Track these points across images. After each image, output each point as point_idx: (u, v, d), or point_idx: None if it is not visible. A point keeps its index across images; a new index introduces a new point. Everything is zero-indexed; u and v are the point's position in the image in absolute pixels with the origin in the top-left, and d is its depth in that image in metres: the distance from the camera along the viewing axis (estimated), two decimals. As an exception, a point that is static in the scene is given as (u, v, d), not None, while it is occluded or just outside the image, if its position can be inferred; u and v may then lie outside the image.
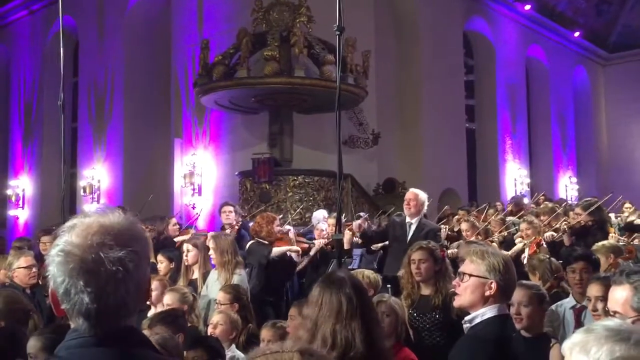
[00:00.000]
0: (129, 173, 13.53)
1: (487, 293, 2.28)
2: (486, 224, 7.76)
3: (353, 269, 5.91)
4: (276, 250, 5.65)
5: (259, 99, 10.36)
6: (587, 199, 7.17)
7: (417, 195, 5.81)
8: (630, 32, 20.48)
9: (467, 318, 2.35)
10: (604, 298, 3.21)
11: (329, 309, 2.09)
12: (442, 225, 7.64)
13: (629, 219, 7.65)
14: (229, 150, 11.49)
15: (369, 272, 3.89)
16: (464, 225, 7.06)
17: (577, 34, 18.99)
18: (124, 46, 13.78)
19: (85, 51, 14.89)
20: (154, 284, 4.35)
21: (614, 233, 7.09)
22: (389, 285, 4.75)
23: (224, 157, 11.53)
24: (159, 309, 4.02)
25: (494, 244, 6.55)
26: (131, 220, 1.39)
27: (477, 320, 2.31)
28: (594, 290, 3.31)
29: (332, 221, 7.15)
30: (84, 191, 13.85)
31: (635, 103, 20.62)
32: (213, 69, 10.12)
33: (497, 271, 2.28)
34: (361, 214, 8.25)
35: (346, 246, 6.94)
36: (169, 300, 3.97)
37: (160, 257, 5.30)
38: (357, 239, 6.22)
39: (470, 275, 2.33)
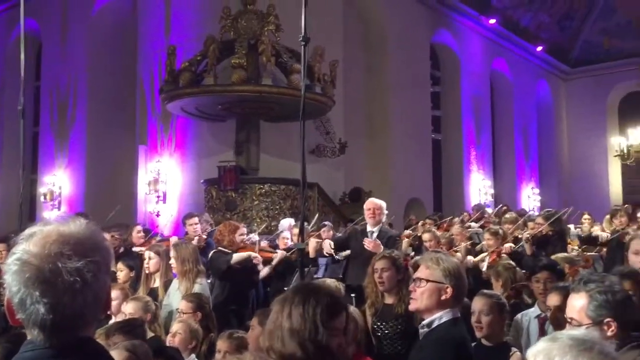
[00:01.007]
0: (91, 180, 13.28)
1: (444, 297, 2.35)
2: (449, 234, 7.84)
3: (318, 278, 5.93)
4: (237, 256, 5.60)
5: (225, 106, 10.31)
6: (548, 209, 7.32)
7: (379, 204, 5.87)
8: (591, 48, 21.09)
9: (424, 322, 2.40)
10: (563, 307, 3.28)
11: (297, 320, 2.07)
12: (408, 231, 7.72)
13: (593, 231, 7.83)
14: (195, 157, 11.38)
15: (330, 281, 3.89)
16: (426, 236, 7.12)
17: (540, 48, 19.47)
18: (88, 51, 13.57)
19: (48, 55, 14.61)
20: (115, 293, 4.26)
21: (571, 243, 7.26)
22: (353, 295, 4.76)
23: (190, 164, 11.42)
24: (120, 318, 3.95)
25: (458, 254, 6.64)
26: (92, 229, 1.36)
27: (436, 324, 2.36)
28: (552, 299, 3.38)
29: (297, 231, 7.15)
30: (45, 198, 13.54)
31: (595, 117, 21.21)
32: (179, 75, 10.04)
33: (452, 276, 2.36)
34: (326, 223, 8.27)
35: (311, 255, 6.94)
36: (130, 309, 3.89)
37: (119, 266, 5.21)
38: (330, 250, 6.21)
39: (427, 280, 2.39)
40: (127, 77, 12.90)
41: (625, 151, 15.77)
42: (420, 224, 9.35)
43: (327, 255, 6.43)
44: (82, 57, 13.56)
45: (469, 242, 7.18)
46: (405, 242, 7.69)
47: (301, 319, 1.81)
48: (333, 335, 1.80)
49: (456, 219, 10.24)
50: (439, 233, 7.58)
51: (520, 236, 6.59)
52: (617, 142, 16.51)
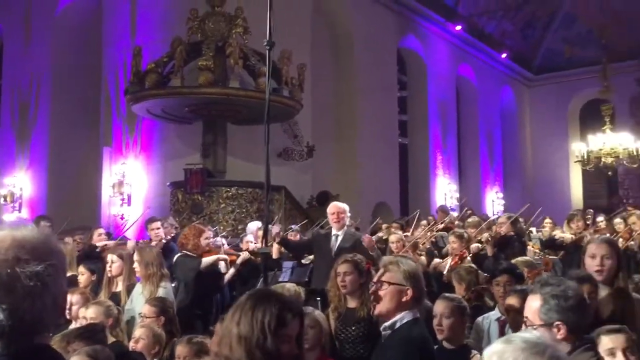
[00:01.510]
0: (53, 181, 12.99)
1: (404, 299, 2.41)
2: (415, 237, 7.93)
3: (283, 282, 5.93)
4: (205, 261, 5.56)
5: (192, 108, 10.23)
6: (510, 214, 7.47)
7: (342, 208, 5.91)
8: (553, 56, 21.60)
9: (386, 324, 2.44)
10: (522, 310, 3.36)
11: (251, 326, 2.06)
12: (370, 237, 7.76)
13: (555, 235, 8.01)
14: (161, 160, 11.26)
15: (290, 285, 3.91)
16: (392, 237, 7.19)
17: (504, 55, 19.85)
18: (51, 50, 13.29)
19: (10, 54, 14.28)
20: (75, 297, 4.19)
21: (533, 247, 7.42)
22: (318, 298, 4.77)
23: (156, 166, 11.28)
24: (80, 323, 3.88)
25: (422, 257, 6.72)
26: (45, 234, 1.36)
27: (398, 325, 2.41)
28: (511, 302, 3.45)
29: (262, 233, 7.14)
30: (5, 200, 13.20)
31: (558, 123, 21.72)
32: (145, 76, 9.92)
33: (412, 278, 2.43)
34: (293, 226, 8.28)
35: (274, 255, 6.94)
36: (92, 313, 3.83)
37: (81, 269, 5.12)
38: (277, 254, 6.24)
39: (389, 283, 2.43)
40: (92, 78, 12.68)
41: (585, 157, 16.16)
42: (385, 227, 9.42)
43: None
44: (45, 57, 13.28)
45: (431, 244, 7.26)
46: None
47: (249, 326, 1.80)
48: (283, 342, 1.79)
49: (423, 222, 10.34)
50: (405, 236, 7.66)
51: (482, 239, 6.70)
52: (578, 148, 16.91)
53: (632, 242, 7.30)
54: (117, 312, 3.99)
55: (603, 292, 3.28)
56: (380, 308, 2.46)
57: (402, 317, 2.42)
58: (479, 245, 6.29)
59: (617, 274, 3.22)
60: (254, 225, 7.86)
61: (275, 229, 6.46)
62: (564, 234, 7.83)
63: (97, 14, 12.78)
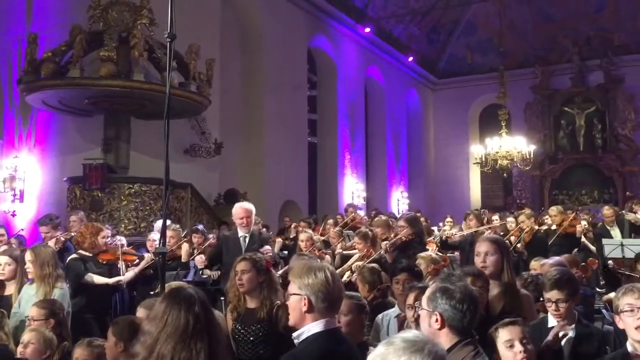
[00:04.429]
0: (-64, 175, 11.96)
1: (303, 309, 2.31)
2: (325, 236, 8.03)
3: (188, 282, 5.79)
4: (97, 279, 5.37)
5: (93, 101, 9.75)
6: (409, 213, 7.71)
7: (251, 209, 5.84)
8: (456, 61, 22.58)
9: (294, 335, 2.36)
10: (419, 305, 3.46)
11: (174, 326, 1.99)
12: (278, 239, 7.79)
13: (444, 236, 8.36)
14: (58, 154, 10.65)
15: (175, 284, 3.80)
16: (302, 236, 7.22)
17: (410, 59, 20.49)
18: None
19: None
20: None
21: (435, 245, 7.71)
22: (222, 298, 4.69)
23: (52, 161, 10.67)
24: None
25: (327, 256, 6.78)
26: None
27: (303, 337, 2.32)
28: (410, 298, 3.54)
29: (171, 233, 6.94)
30: None
31: (459, 125, 22.75)
32: (41, 66, 9.34)
33: (309, 286, 2.31)
34: (199, 226, 8.11)
35: (184, 258, 6.78)
36: (-28, 318, 3.57)
37: (-37, 272, 4.73)
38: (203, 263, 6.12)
39: (292, 294, 2.38)
40: (-19, 65, 11.80)
41: (483, 159, 17.00)
42: (293, 226, 9.46)
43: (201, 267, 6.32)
44: None
45: (341, 243, 7.35)
46: (277, 243, 7.75)
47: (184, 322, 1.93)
48: None
49: (330, 221, 10.48)
50: (315, 235, 7.73)
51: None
52: (477, 150, 17.76)
53: (518, 245, 7.75)
54: (1, 316, 3.74)
55: (494, 288, 3.45)
56: (291, 320, 2.39)
57: (310, 329, 2.31)
58: (387, 242, 6.40)
59: (502, 270, 3.40)
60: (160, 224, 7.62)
61: (199, 259, 6.29)
62: (454, 233, 8.20)
63: (-12, -3, 11.90)
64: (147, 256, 6.15)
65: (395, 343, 1.40)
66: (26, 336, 3.41)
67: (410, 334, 1.47)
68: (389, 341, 1.43)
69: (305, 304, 2.30)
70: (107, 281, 5.54)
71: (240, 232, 5.72)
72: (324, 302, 2.30)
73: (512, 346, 2.66)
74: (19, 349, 3.37)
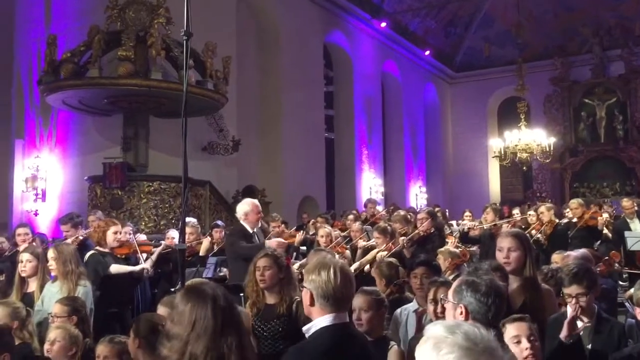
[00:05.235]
0: (-40, 176, 12.18)
1: (307, 302, 2.37)
2: (346, 231, 8.03)
3: (208, 278, 5.82)
4: (115, 268, 5.40)
5: (112, 100, 9.85)
6: (429, 208, 7.67)
7: (258, 206, 5.81)
8: (474, 54, 22.38)
9: (304, 328, 2.39)
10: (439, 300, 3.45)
11: (203, 327, 1.99)
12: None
13: (465, 228, 8.30)
14: (78, 153, 10.78)
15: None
16: (321, 232, 7.23)
17: (427, 52, 20.36)
18: (-43, 36, 12.44)
19: None
20: (-20, 299, 3.97)
21: (454, 239, 7.66)
22: (242, 294, 4.71)
23: (72, 160, 10.80)
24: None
25: (347, 251, 6.78)
26: None
27: (312, 331, 2.35)
28: (431, 293, 3.54)
29: (190, 229, 7.00)
30: None
31: (477, 119, 22.56)
32: (61, 66, 9.46)
33: (312, 282, 2.35)
34: (218, 222, 8.16)
35: (201, 253, 6.83)
36: (-3, 315, 3.62)
37: (-12, 270, 4.83)
38: None
39: (302, 287, 2.45)
40: (2, 67, 11.96)
41: (502, 152, 16.84)
42: (311, 223, 9.46)
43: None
44: (-51, 43, 12.41)
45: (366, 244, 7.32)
46: (297, 237, 7.77)
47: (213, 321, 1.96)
48: None
49: (350, 216, 10.46)
50: (334, 230, 7.73)
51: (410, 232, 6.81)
52: (496, 143, 17.61)
53: (538, 235, 7.66)
54: (26, 314, 3.79)
55: (514, 283, 3.42)
56: (304, 311, 2.45)
57: (318, 323, 2.33)
58: (405, 238, 6.39)
59: (525, 265, 3.36)
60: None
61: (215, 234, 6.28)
62: (475, 225, 8.14)
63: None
64: (163, 244, 6.23)
65: (457, 335, 1.29)
66: (52, 334, 3.43)
67: (475, 332, 1.35)
68: (452, 330, 1.32)
69: (308, 298, 2.36)
70: (133, 269, 5.58)
71: (249, 229, 5.66)
72: (325, 299, 2.33)
73: (519, 342, 2.65)
74: (46, 346, 3.39)
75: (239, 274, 4.55)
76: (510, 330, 2.67)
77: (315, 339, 2.31)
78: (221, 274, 6.39)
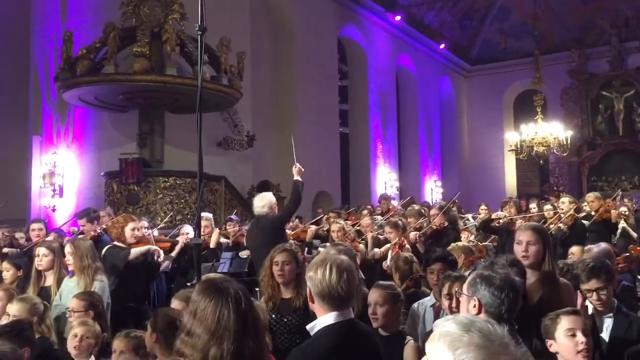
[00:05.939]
0: (-21, 172, 12.35)
1: (310, 300, 2.38)
2: (356, 225, 8.00)
3: (222, 272, 5.85)
4: (135, 251, 5.40)
5: (127, 96, 9.93)
6: (441, 202, 7.62)
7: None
8: (489, 47, 22.17)
9: (308, 327, 2.37)
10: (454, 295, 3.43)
11: (225, 326, 1.97)
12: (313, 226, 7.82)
13: (492, 215, 8.23)
14: (95, 149, 10.88)
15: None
16: (334, 226, 7.21)
17: (442, 46, 20.20)
18: (-25, 34, 12.58)
19: None
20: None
21: (468, 234, 7.60)
22: (257, 289, 4.72)
23: (89, 156, 10.90)
24: (4, 320, 3.69)
25: (361, 245, 6.76)
26: None
27: (315, 329, 2.33)
28: (445, 288, 3.51)
29: (205, 222, 7.03)
30: None
31: (493, 112, 22.36)
32: (77, 63, 9.55)
33: (310, 279, 2.35)
34: (232, 217, 8.19)
35: (212, 245, 6.85)
36: (15, 310, 3.66)
37: (5, 265, 4.88)
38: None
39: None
40: (19, 64, 12.08)
41: (518, 146, 16.69)
42: (324, 218, 9.45)
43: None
44: (-33, 41, 12.56)
45: (376, 233, 7.32)
46: (310, 231, 7.79)
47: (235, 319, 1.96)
48: None
49: (365, 211, 10.43)
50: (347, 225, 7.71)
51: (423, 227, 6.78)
52: (512, 137, 17.45)
53: (560, 225, 7.56)
54: (44, 309, 3.83)
55: (532, 277, 3.39)
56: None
57: (322, 321, 2.31)
58: (417, 233, 6.36)
59: (544, 259, 3.33)
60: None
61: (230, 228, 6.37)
62: (500, 216, 8.09)
63: (24, -3, 12.17)
64: (180, 241, 6.26)
65: (473, 334, 1.23)
66: (78, 329, 3.41)
67: (492, 331, 1.31)
68: (468, 328, 1.27)
69: (309, 295, 2.38)
70: (150, 247, 5.59)
71: None
72: (321, 297, 2.31)
73: (573, 335, 2.62)
74: (73, 342, 3.38)
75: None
76: (565, 323, 2.64)
77: (319, 337, 2.29)
78: (244, 256, 6.44)
